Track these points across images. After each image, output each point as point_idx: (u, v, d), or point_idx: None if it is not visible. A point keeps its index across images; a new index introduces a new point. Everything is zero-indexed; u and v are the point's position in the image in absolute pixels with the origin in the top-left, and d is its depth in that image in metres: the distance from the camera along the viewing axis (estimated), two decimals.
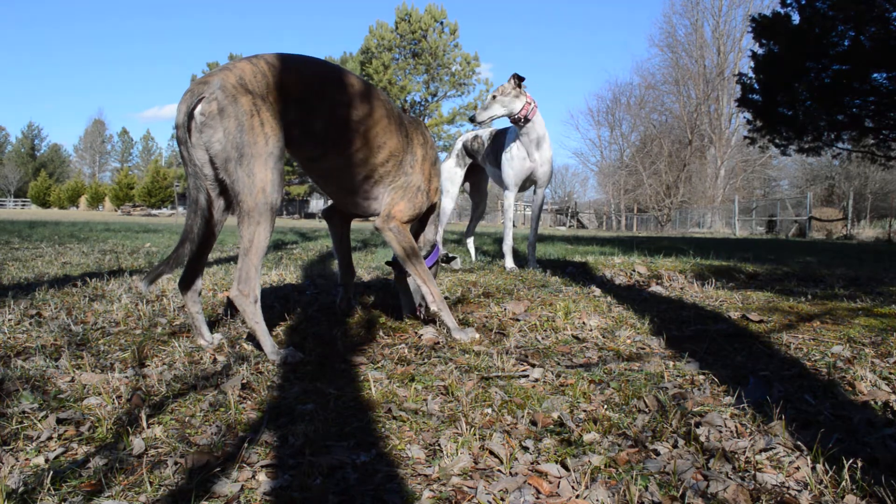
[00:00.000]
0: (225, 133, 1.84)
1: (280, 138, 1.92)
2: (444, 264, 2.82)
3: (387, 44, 34.29)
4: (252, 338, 2.10)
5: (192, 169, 1.88)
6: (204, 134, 1.85)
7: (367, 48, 34.69)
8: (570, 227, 36.70)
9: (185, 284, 2.09)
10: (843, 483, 1.15)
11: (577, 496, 1.14)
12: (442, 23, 34.72)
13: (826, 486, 1.16)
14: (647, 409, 1.56)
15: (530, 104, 4.06)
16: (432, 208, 2.56)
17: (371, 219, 2.41)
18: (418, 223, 2.56)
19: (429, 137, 2.48)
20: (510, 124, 4.33)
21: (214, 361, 1.93)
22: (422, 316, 2.52)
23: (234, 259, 4.20)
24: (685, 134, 36.63)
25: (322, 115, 2.08)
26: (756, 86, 11.65)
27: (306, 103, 2.04)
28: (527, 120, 4.07)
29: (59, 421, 1.42)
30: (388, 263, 2.62)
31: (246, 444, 1.31)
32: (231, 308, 2.54)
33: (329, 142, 2.12)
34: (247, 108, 1.85)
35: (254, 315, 1.94)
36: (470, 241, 5.11)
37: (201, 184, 1.90)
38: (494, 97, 4.03)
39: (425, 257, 2.60)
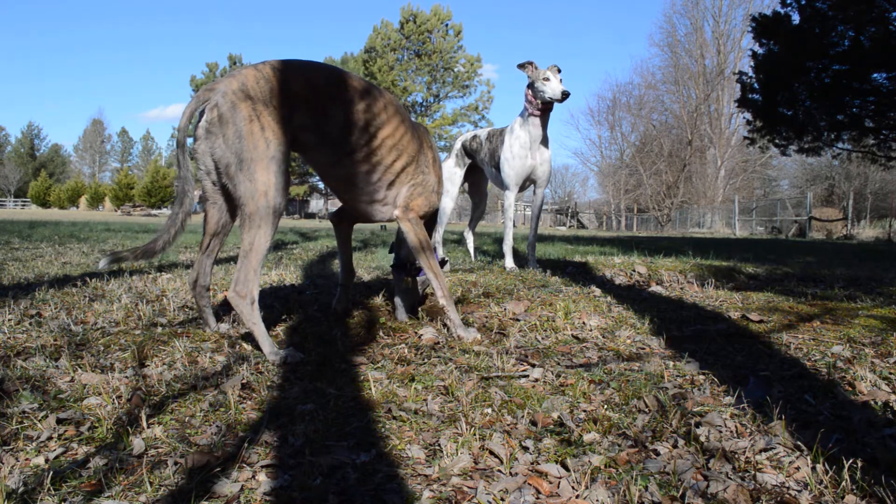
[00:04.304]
0: (224, 140, 1.89)
1: (283, 142, 1.95)
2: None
3: (392, 44, 34.22)
4: (251, 338, 2.10)
5: (183, 172, 1.97)
6: (208, 141, 1.92)
7: (371, 47, 34.60)
8: (570, 227, 36.69)
9: (194, 282, 2.22)
10: (843, 483, 1.15)
11: (577, 496, 1.14)
12: (447, 24, 34.66)
13: (826, 486, 1.16)
14: (647, 409, 1.56)
15: None
16: (437, 211, 2.60)
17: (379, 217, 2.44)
18: (428, 221, 2.58)
19: (432, 141, 2.54)
20: (509, 123, 4.33)
21: (214, 361, 1.93)
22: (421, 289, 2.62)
23: (235, 259, 4.20)
24: (685, 134, 36.62)
25: (338, 119, 2.10)
26: (756, 86, 11.64)
27: (317, 108, 2.06)
28: (545, 112, 4.07)
29: (59, 421, 1.42)
30: (392, 267, 2.63)
31: (246, 444, 1.31)
32: (230, 308, 2.55)
33: (348, 146, 2.14)
34: (245, 115, 1.88)
35: (250, 316, 1.96)
36: (469, 238, 5.07)
37: (189, 188, 1.99)
38: (548, 79, 3.99)
39: None
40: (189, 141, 2.03)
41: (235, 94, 1.89)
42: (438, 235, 4.59)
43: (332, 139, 2.11)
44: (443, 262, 2.86)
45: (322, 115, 2.07)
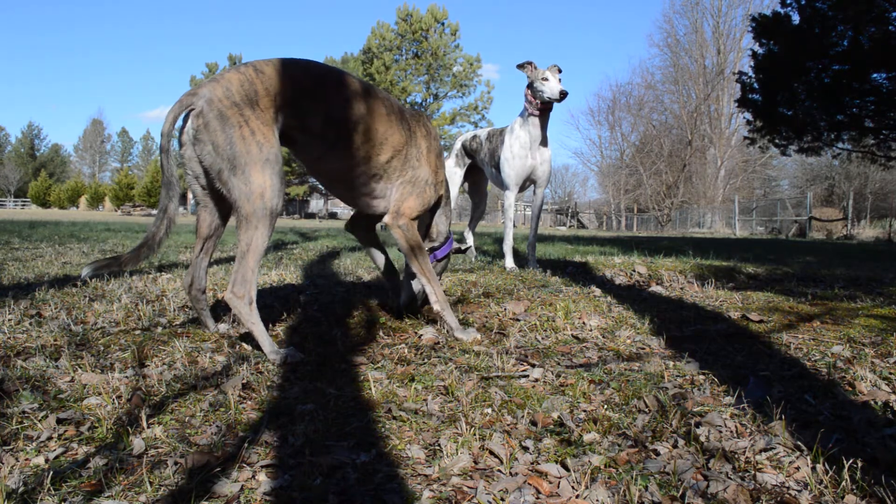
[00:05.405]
0: (214, 146, 1.88)
1: (275, 143, 1.94)
2: (459, 254, 2.87)
3: (387, 44, 34.28)
4: (251, 338, 2.10)
5: (167, 177, 1.98)
6: (196, 147, 1.91)
7: (368, 48, 34.70)
8: (570, 227, 36.68)
9: (190, 285, 2.20)
10: (843, 483, 1.15)
11: (577, 496, 1.14)
12: (443, 23, 34.67)
13: (826, 486, 1.16)
14: (647, 409, 1.56)
15: None
16: (440, 199, 2.55)
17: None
18: (429, 214, 2.56)
19: (431, 129, 2.47)
20: (508, 123, 4.32)
21: (214, 361, 1.93)
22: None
23: (234, 259, 4.20)
24: (685, 134, 36.60)
25: (318, 115, 2.08)
26: (756, 86, 11.64)
27: (301, 105, 2.04)
28: (545, 111, 4.06)
29: (59, 421, 1.42)
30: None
31: (246, 444, 1.31)
32: (230, 308, 2.55)
33: (329, 142, 2.13)
34: (234, 121, 1.87)
35: (249, 316, 1.96)
36: (469, 238, 5.07)
37: (173, 193, 2.01)
38: (546, 79, 3.99)
39: (439, 247, 2.62)
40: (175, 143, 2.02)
41: (221, 101, 1.87)
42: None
43: (316, 134, 2.10)
44: (465, 249, 2.86)
45: (306, 111, 2.06)
